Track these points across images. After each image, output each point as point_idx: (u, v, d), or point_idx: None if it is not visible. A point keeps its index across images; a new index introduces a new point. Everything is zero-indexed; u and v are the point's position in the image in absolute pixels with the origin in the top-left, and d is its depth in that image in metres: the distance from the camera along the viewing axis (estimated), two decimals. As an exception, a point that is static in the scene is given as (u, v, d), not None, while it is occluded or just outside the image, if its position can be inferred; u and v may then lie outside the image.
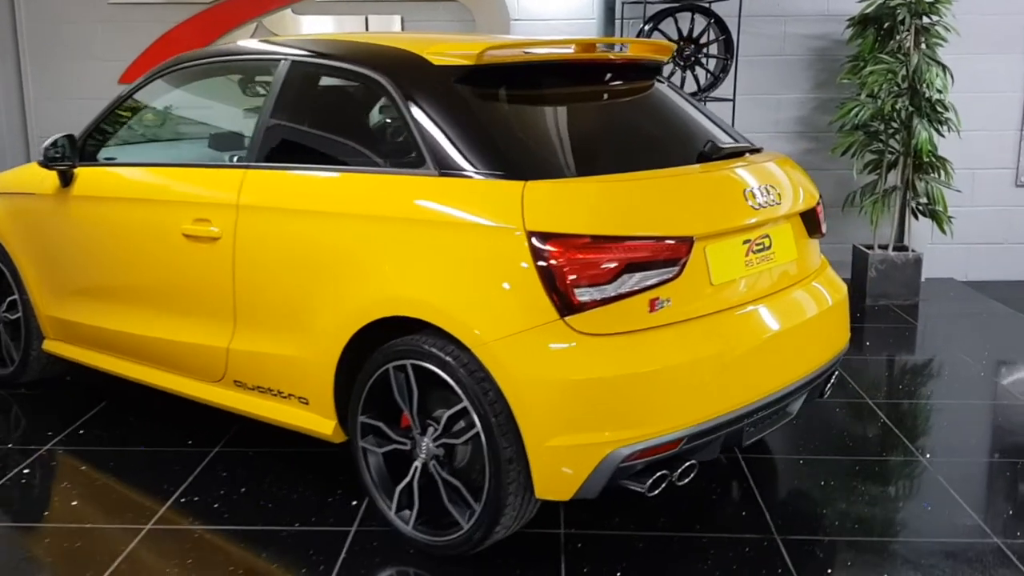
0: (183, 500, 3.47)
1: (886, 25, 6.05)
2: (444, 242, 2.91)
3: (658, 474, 2.84)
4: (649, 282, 2.79)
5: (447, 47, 3.19)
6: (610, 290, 2.73)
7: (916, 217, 6.38)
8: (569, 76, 3.41)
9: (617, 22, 6.64)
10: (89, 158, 4.16)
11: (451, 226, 2.91)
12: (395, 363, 3.00)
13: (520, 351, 2.73)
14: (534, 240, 2.73)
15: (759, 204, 3.12)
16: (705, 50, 6.34)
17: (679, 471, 2.90)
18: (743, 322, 3.06)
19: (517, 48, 3.24)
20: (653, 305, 2.81)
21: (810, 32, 6.78)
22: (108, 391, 4.48)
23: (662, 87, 3.70)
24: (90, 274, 4.14)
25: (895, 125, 6.12)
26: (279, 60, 3.57)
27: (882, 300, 6.27)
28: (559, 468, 2.74)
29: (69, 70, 6.98)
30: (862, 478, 3.66)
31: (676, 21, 6.26)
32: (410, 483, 3.05)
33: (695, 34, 6.24)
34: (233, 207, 3.46)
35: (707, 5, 6.19)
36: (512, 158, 2.91)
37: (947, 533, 3.25)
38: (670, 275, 2.82)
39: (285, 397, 3.41)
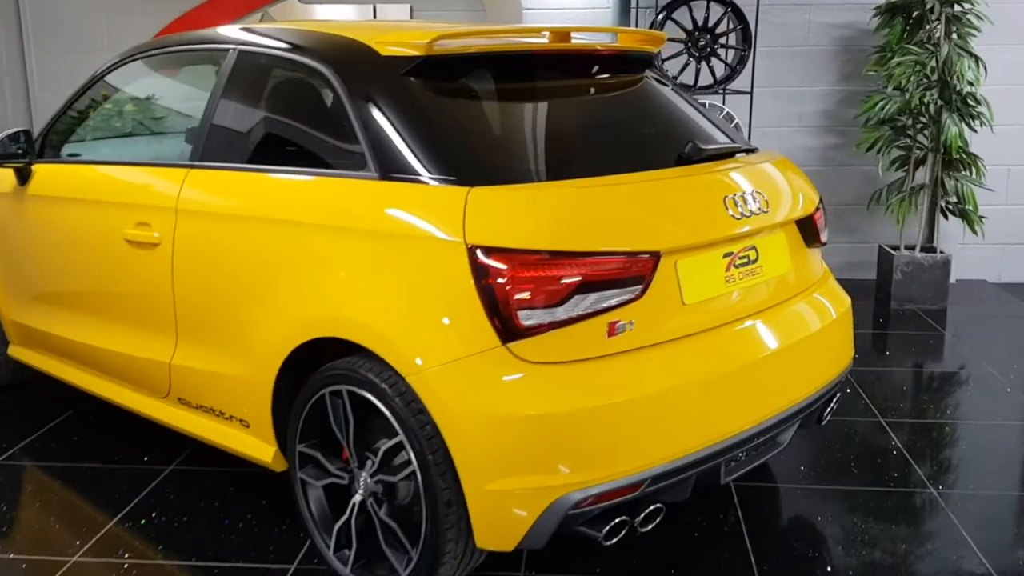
0: (123, 525, 3.23)
1: (915, 14, 5.64)
2: (381, 255, 2.62)
3: (616, 520, 2.52)
4: (607, 303, 2.46)
5: (399, 36, 2.88)
6: (560, 313, 2.41)
7: (946, 217, 5.97)
8: (536, 69, 3.09)
9: (632, 12, 6.28)
10: (50, 154, 3.93)
11: (388, 237, 2.61)
12: (331, 388, 2.72)
13: (456, 381, 2.43)
14: (475, 255, 2.42)
15: (742, 213, 2.78)
16: (723, 40, 5.96)
17: (642, 516, 2.57)
18: (722, 346, 2.73)
19: (475, 37, 2.92)
20: (612, 329, 2.49)
21: (836, 21, 6.38)
22: (76, 400, 4.25)
23: (651, 82, 3.36)
24: (45, 278, 3.92)
25: (923, 120, 5.71)
26: (227, 50, 3.30)
27: (908, 304, 5.87)
28: (500, 515, 2.44)
29: (73, 60, 6.79)
30: (864, 514, 3.30)
31: (691, 10, 5.89)
32: (347, 521, 2.76)
33: (711, 24, 5.85)
34: (172, 211, 3.20)
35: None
36: (458, 161, 2.60)
37: (952, 583, 2.90)
38: (632, 295, 2.50)
39: (227, 419, 3.15)
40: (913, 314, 5.76)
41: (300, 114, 3.09)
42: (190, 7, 6.64)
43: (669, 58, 5.95)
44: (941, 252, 5.92)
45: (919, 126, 5.75)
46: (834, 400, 3.30)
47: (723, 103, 6.04)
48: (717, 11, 5.97)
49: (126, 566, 2.98)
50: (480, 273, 2.41)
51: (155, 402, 3.47)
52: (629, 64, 3.39)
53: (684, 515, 3.22)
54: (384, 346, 2.54)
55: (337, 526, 2.80)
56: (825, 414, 3.26)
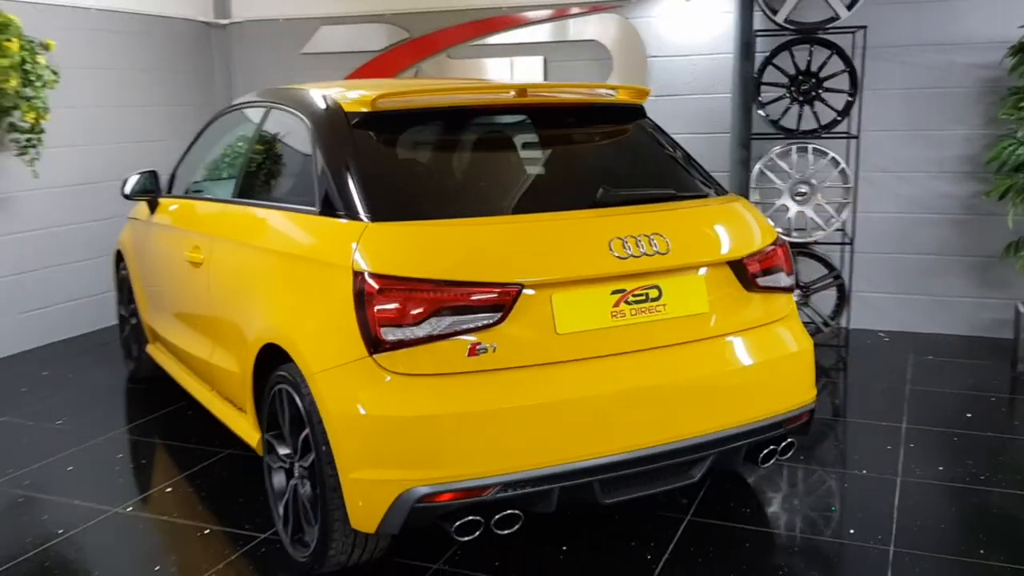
0: (165, 490, 3.97)
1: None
2: (303, 276, 3.14)
3: (467, 519, 2.85)
4: (464, 327, 2.82)
5: (363, 94, 3.38)
6: (419, 332, 2.81)
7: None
8: (470, 121, 3.49)
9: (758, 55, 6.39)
10: (172, 190, 4.83)
11: (309, 262, 3.14)
12: (277, 387, 3.26)
13: (333, 384, 2.89)
14: (355, 278, 2.87)
15: (629, 254, 3.01)
16: (827, 84, 5.92)
17: (496, 519, 2.88)
18: (598, 375, 2.97)
19: (417, 95, 3.38)
20: (473, 350, 2.84)
21: (979, 61, 6.09)
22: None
23: (606, 130, 3.64)
24: (158, 289, 4.81)
25: (1054, 168, 5.36)
26: (265, 106, 3.99)
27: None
28: (362, 500, 2.86)
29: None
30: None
31: (792, 55, 5.92)
32: (287, 500, 3.28)
33: (815, 68, 5.86)
34: (211, 237, 3.92)
35: (827, 36, 5.80)
36: (369, 200, 3.07)
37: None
38: (491, 321, 2.84)
39: (238, 409, 3.79)
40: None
41: (290, 159, 3.70)
42: (361, 64, 7.55)
43: (770, 102, 6.01)
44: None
45: (1049, 174, 5.41)
46: (782, 443, 3.37)
47: (851, 147, 5.94)
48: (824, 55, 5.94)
49: (162, 521, 3.69)
50: (357, 293, 2.86)
51: (208, 393, 4.20)
52: (575, 115, 3.68)
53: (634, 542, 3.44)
54: (296, 352, 3.06)
55: (281, 504, 3.33)
56: (763, 456, 3.34)
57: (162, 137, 7.16)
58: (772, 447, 3.36)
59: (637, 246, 3.04)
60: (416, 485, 2.78)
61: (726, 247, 3.28)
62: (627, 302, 3.05)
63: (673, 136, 5.60)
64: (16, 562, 3.37)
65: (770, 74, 6.01)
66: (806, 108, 5.93)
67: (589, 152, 3.63)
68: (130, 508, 3.81)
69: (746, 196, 6.11)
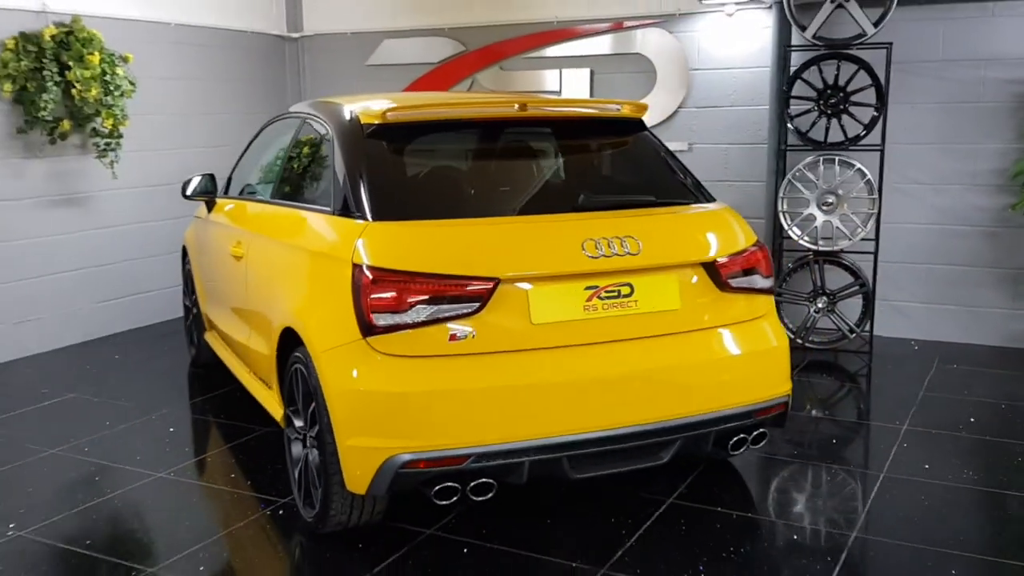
0: (205, 459, 4.43)
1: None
2: (315, 268, 3.55)
3: (444, 485, 3.20)
4: (445, 314, 3.18)
5: (379, 107, 3.76)
6: (405, 318, 3.17)
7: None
8: (470, 132, 3.84)
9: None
10: (228, 191, 5.32)
11: (320, 255, 3.54)
12: (294, 366, 3.67)
13: (334, 362, 3.28)
14: (353, 270, 3.26)
15: (601, 254, 3.32)
16: (854, 98, 6.08)
17: (471, 487, 3.23)
18: (568, 361, 3.29)
19: (424, 109, 3.75)
20: (454, 335, 3.19)
21: (1014, 76, 6.19)
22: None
23: (598, 141, 3.96)
24: (212, 280, 5.29)
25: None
26: (301, 117, 4.42)
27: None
28: (354, 464, 3.23)
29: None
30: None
31: (821, 70, 6.11)
32: (300, 467, 3.69)
33: (842, 83, 6.04)
34: (250, 233, 4.37)
35: (855, 52, 5.97)
36: (373, 202, 3.44)
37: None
38: (470, 310, 3.19)
39: (268, 387, 4.22)
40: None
41: (317, 164, 4.10)
42: (420, 75, 7.98)
43: (799, 115, 6.21)
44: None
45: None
46: (756, 432, 3.64)
47: (881, 158, 6.09)
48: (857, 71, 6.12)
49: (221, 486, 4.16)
50: (355, 283, 3.24)
51: (247, 374, 4.65)
52: (572, 128, 4.01)
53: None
54: (306, 335, 3.46)
55: (296, 471, 3.74)
56: (732, 443, 3.61)
57: (235, 142, 7.69)
58: (743, 436, 3.62)
59: (609, 247, 3.35)
60: (400, 452, 3.14)
61: (698, 250, 3.55)
62: (600, 297, 3.36)
63: (713, 146, 5.91)
64: (66, 515, 3.85)
65: (800, 88, 6.21)
66: (834, 121, 6.09)
67: (579, 162, 3.96)
68: (172, 474, 4.28)
69: (775, 205, 6.32)
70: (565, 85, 7.50)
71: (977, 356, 6.11)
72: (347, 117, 3.83)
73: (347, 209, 3.51)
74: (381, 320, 3.18)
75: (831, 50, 5.96)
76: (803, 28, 5.95)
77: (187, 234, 5.95)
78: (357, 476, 3.24)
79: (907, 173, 6.49)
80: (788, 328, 6.33)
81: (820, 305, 6.24)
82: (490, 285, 3.20)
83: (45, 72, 5.97)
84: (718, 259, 3.57)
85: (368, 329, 3.20)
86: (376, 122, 3.67)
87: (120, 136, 6.44)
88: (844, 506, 3.90)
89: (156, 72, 7.04)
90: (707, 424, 3.47)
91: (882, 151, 6.05)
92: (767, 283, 3.74)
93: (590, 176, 3.92)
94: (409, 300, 3.17)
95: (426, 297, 3.17)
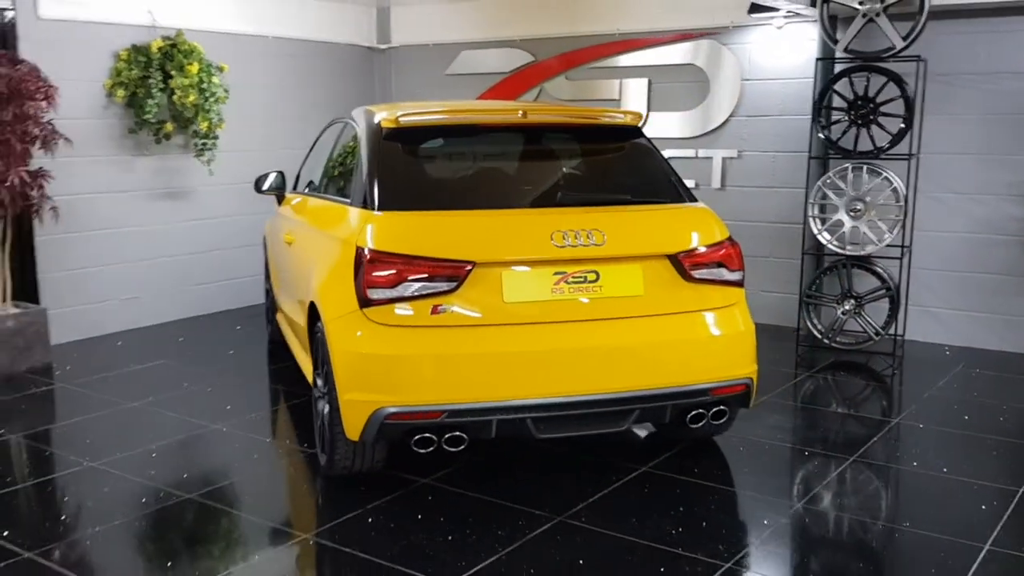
0: (253, 417, 5.13)
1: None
2: (334, 251, 4.16)
3: (422, 436, 3.77)
4: (428, 291, 3.74)
5: (395, 113, 4.36)
6: (394, 293, 3.75)
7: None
8: (471, 136, 4.38)
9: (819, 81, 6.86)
10: (296, 187, 6.04)
11: (338, 240, 4.15)
12: (318, 334, 4.30)
13: (336, 329, 3.89)
14: (356, 251, 3.86)
15: (567, 244, 3.82)
16: (883, 109, 6.31)
17: (446, 439, 3.78)
18: (534, 334, 3.80)
19: (432, 115, 4.32)
20: (435, 309, 3.76)
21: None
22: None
23: (594, 145, 4.45)
24: (278, 265, 6.02)
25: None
26: (346, 122, 5.07)
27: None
28: (350, 415, 3.83)
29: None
30: None
31: (852, 82, 6.39)
32: (321, 421, 4.32)
33: (872, 94, 6.30)
34: (299, 223, 5.05)
35: (888, 65, 6.23)
36: (381, 195, 4.03)
37: None
38: (448, 288, 3.75)
39: (307, 355, 4.89)
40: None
41: (350, 163, 4.73)
42: (493, 84, 8.58)
43: (830, 124, 6.49)
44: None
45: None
46: (716, 409, 4.06)
47: (908, 167, 6.31)
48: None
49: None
50: (356, 262, 3.85)
51: (297, 346, 5.33)
52: (566, 133, 4.52)
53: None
54: (322, 307, 4.08)
55: (318, 424, 4.37)
56: (691, 417, 4.04)
57: (321, 144, 8.50)
58: (701, 411, 4.05)
59: (575, 238, 3.84)
60: (385, 405, 3.72)
61: (662, 244, 4.00)
62: (567, 282, 3.86)
63: (761, 154, 6.35)
64: (132, 453, 4.60)
65: (832, 99, 6.50)
66: (865, 130, 6.35)
67: (565, 164, 4.45)
68: (224, 428, 4.99)
69: (805, 210, 6.62)
70: (625, 94, 7.96)
71: (1006, 363, 6.26)
72: (373, 122, 4.45)
73: (364, 202, 4.12)
74: (375, 294, 3.77)
75: (861, 63, 6.23)
76: (835, 42, 6.24)
77: (266, 226, 6.71)
78: (352, 425, 3.83)
79: (945, 182, 6.67)
80: (817, 328, 6.63)
81: (847, 307, 6.51)
82: (467, 268, 3.75)
83: (151, 80, 6.85)
84: (680, 253, 4.00)
85: (365, 301, 3.79)
86: (392, 126, 4.26)
87: (216, 137, 7.27)
88: (804, 483, 4.27)
89: (253, 80, 7.88)
90: (663, 398, 3.92)
91: (909, 159, 6.28)
92: (734, 276, 4.15)
93: (575, 177, 4.41)
94: (397, 277, 3.75)
95: (412, 276, 3.74)
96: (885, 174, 6.24)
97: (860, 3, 6.11)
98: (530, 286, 3.83)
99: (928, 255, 6.74)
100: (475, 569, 3.39)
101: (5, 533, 3.69)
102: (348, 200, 4.34)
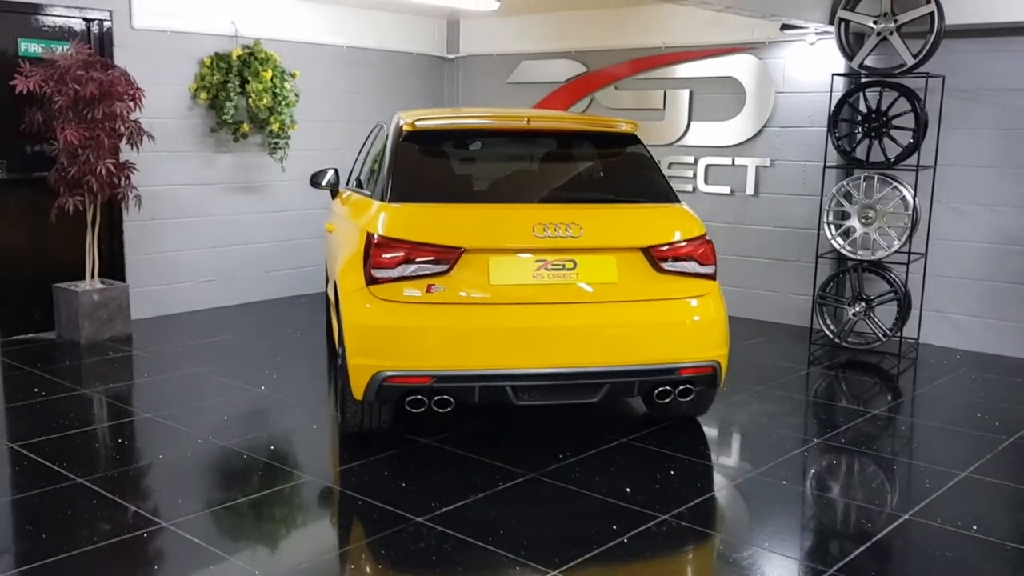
0: (290, 380, 5.83)
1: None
2: (353, 236, 4.80)
3: (414, 397, 4.37)
4: (423, 272, 4.34)
5: (414, 118, 4.97)
6: (394, 273, 4.36)
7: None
8: (478, 139, 4.96)
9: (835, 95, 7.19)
10: (349, 183, 6.73)
11: (356, 228, 4.79)
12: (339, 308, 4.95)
13: (347, 303, 4.52)
14: (366, 236, 4.49)
15: (547, 235, 4.37)
16: (895, 122, 6.63)
17: (434, 400, 4.37)
18: (516, 313, 4.36)
19: (444, 119, 4.93)
20: (429, 288, 4.36)
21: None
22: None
23: (581, 150, 4.99)
24: (327, 254, 6.72)
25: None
26: (380, 126, 5.73)
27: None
28: (356, 377, 4.45)
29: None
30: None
31: (864, 97, 6.73)
32: (338, 384, 4.98)
33: (884, 107, 6.63)
34: (337, 214, 5.73)
35: (901, 81, 6.55)
36: (395, 188, 4.65)
37: None
38: (441, 270, 4.34)
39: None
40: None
41: (380, 160, 5.36)
42: (549, 93, 9.15)
43: (844, 136, 6.84)
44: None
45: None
46: (682, 386, 4.54)
47: (917, 177, 6.59)
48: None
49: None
50: (366, 246, 4.47)
51: (335, 327, 6.01)
52: (564, 139, 5.06)
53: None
54: (339, 284, 4.72)
55: (337, 387, 5.03)
56: (658, 393, 4.53)
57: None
58: (667, 388, 4.54)
59: (555, 231, 4.38)
60: (384, 369, 4.32)
61: (634, 238, 4.51)
62: (547, 269, 4.40)
63: (793, 163, 6.84)
64: (181, 409, 5.34)
65: (847, 111, 6.85)
66: (877, 142, 6.68)
67: (560, 166, 4.99)
68: (265, 389, 5.70)
69: (820, 216, 6.97)
70: (669, 104, 8.42)
71: (1012, 368, 6.49)
72: (397, 125, 5.08)
73: (382, 194, 4.75)
74: (379, 273, 4.39)
75: (873, 78, 6.57)
76: (851, 58, 6.60)
77: (326, 218, 7.42)
78: (357, 386, 4.45)
79: (964, 193, 6.94)
80: (830, 329, 6.97)
81: (857, 309, 6.84)
82: (457, 253, 4.33)
83: (230, 84, 7.66)
84: (652, 247, 4.50)
85: (371, 280, 4.41)
86: (410, 129, 4.89)
87: (288, 137, 8.05)
88: (764, 457, 4.70)
89: (327, 85, 8.65)
90: (630, 374, 4.43)
91: (917, 171, 6.57)
92: (704, 270, 4.61)
93: (566, 177, 4.96)
94: (398, 260, 4.36)
95: (409, 259, 4.35)
96: (895, 184, 6.55)
97: (875, 22, 6.45)
98: (513, 271, 4.39)
99: (946, 263, 7.01)
100: (445, 509, 3.96)
101: (65, 464, 4.44)
102: (370, 193, 4.97)
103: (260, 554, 3.69)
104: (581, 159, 5.11)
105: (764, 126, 7.84)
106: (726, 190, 8.11)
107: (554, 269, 4.41)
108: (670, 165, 8.42)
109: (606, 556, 3.57)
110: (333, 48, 8.75)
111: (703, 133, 8.18)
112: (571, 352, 4.38)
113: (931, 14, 6.22)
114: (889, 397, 5.93)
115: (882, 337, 6.72)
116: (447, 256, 4.34)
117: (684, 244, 4.57)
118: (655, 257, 4.51)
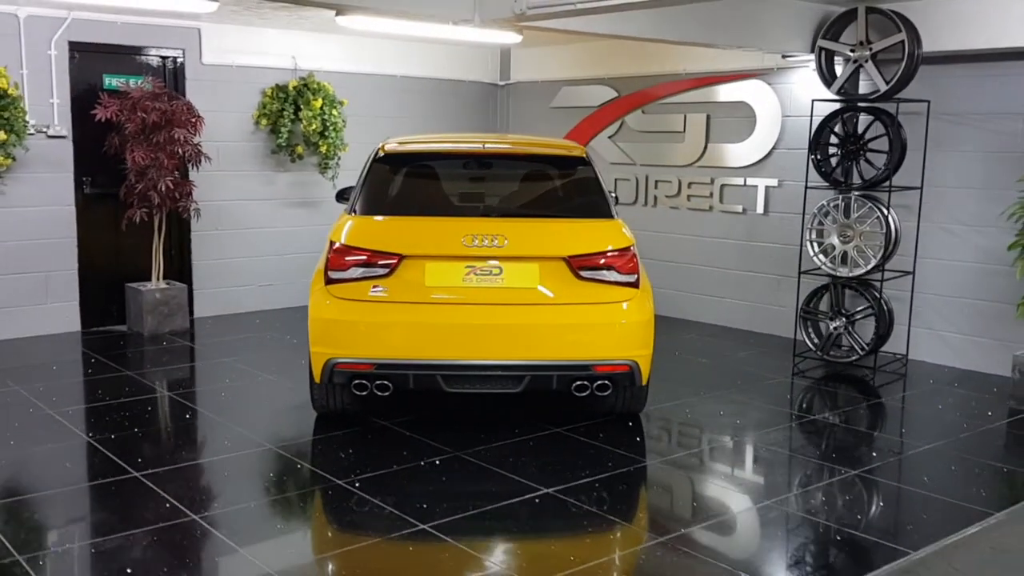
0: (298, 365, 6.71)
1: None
2: (326, 245, 5.61)
3: (358, 381, 5.12)
4: (368, 275, 5.10)
5: (387, 143, 5.75)
6: (345, 275, 5.14)
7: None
8: (439, 161, 5.68)
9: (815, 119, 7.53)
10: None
11: (329, 239, 5.60)
12: (317, 306, 5.76)
13: (312, 300, 5.31)
14: (331, 245, 5.29)
15: (476, 244, 5.05)
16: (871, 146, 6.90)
17: (375, 384, 5.11)
18: (447, 311, 5.06)
19: (415, 144, 5.68)
20: (375, 288, 5.12)
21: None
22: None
23: (536, 171, 5.65)
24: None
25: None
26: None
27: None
28: (313, 364, 5.24)
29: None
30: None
31: (843, 121, 7.08)
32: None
33: (860, 131, 6.97)
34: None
35: (878, 105, 6.89)
36: (362, 203, 5.43)
37: None
38: (383, 273, 5.09)
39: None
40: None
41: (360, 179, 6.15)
42: (584, 117, 9.79)
43: (825, 159, 7.19)
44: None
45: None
46: (600, 382, 5.13)
47: (912, 197, 6.89)
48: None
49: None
50: (327, 252, 5.27)
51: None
52: (515, 161, 5.72)
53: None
54: (311, 285, 5.53)
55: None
56: (576, 387, 5.12)
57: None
58: (584, 383, 5.12)
59: (482, 241, 5.06)
60: (335, 357, 5.09)
61: (556, 248, 5.13)
62: (476, 274, 5.08)
63: (799, 184, 7.34)
64: (204, 389, 6.27)
65: (827, 136, 7.21)
66: (854, 164, 7.03)
67: (504, 184, 5.65)
68: (272, 377, 6.58)
69: (802, 235, 7.33)
70: (688, 127, 8.92)
71: (984, 383, 6.69)
72: (376, 149, 5.87)
73: (351, 209, 5.54)
74: (335, 275, 5.17)
75: (848, 104, 6.94)
76: (829, 84, 6.99)
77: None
78: (316, 370, 5.24)
79: (952, 213, 7.17)
80: (813, 342, 7.33)
81: (838, 323, 7.18)
82: (396, 259, 5.07)
83: (285, 112, 8.67)
84: (571, 256, 5.11)
85: (328, 280, 5.20)
86: (382, 153, 5.67)
87: (337, 158, 9.00)
88: (680, 448, 5.20)
89: (380, 111, 9.55)
90: (548, 368, 5.04)
91: (890, 192, 6.88)
92: (624, 278, 5.17)
93: (505, 194, 5.61)
94: (347, 264, 5.13)
95: (358, 262, 5.11)
96: (869, 204, 6.88)
97: (852, 50, 6.82)
98: (446, 275, 5.09)
99: (935, 280, 7.25)
100: (367, 475, 4.69)
101: (97, 436, 5.41)
102: (346, 208, 5.78)
103: (199, 502, 4.51)
104: (527, 179, 5.76)
105: (773, 148, 8.24)
106: (739, 208, 8.54)
107: (482, 274, 5.08)
108: (689, 185, 8.90)
109: (478, 517, 4.21)
110: (384, 78, 9.64)
111: (719, 155, 8.64)
112: (496, 347, 5.04)
113: (902, 42, 6.54)
114: (841, 405, 6.27)
115: (859, 351, 7.02)
116: (388, 261, 5.08)
117: (603, 255, 5.15)
118: (575, 266, 5.11)
